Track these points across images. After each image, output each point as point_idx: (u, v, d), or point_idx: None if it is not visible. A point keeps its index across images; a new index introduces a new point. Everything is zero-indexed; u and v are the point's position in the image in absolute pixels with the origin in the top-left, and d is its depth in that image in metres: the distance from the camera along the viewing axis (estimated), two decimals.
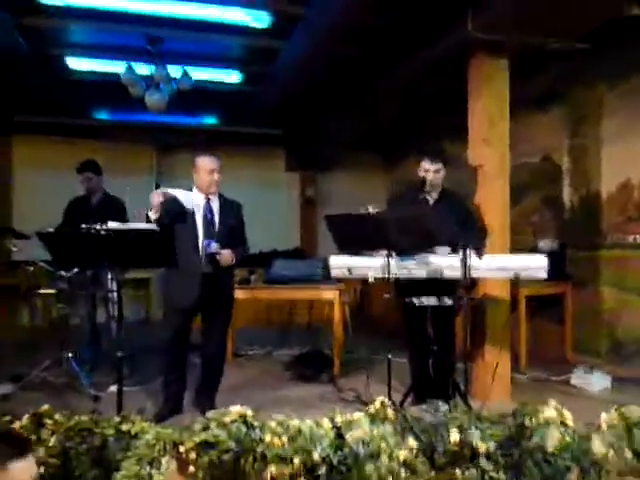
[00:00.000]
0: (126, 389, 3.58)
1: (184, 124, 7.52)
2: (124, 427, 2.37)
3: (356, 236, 3.37)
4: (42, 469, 2.17)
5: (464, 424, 2.17)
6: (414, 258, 3.41)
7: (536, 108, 5.47)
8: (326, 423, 2.28)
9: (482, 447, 2.07)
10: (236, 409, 2.31)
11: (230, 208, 3.71)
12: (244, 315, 5.40)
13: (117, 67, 5.41)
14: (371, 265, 3.46)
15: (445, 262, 3.39)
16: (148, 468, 2.16)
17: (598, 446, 2.07)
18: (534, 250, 5.14)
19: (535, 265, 3.30)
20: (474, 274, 3.35)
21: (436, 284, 3.48)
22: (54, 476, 2.24)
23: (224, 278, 3.65)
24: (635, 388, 4.22)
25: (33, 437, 2.37)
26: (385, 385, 3.42)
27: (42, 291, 4.53)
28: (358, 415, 2.33)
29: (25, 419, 2.47)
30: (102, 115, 7.28)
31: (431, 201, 3.79)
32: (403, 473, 2.08)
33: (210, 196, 3.62)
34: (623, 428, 2.16)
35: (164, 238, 2.93)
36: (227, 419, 2.27)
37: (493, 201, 4.06)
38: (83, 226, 2.84)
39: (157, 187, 7.60)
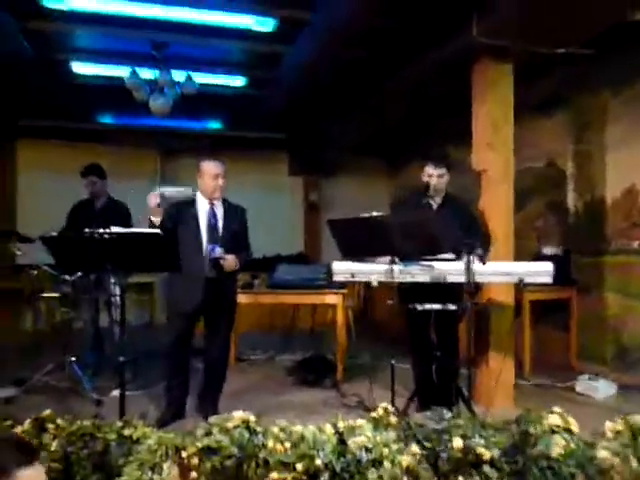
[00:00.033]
0: (128, 393, 3.58)
1: (188, 128, 7.53)
2: (126, 432, 2.36)
3: (359, 241, 3.35)
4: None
5: (468, 431, 2.16)
6: (418, 263, 3.39)
7: (540, 113, 5.46)
8: (329, 429, 2.27)
9: (486, 454, 2.06)
10: (239, 414, 2.31)
11: (234, 213, 3.71)
12: (247, 320, 5.39)
13: (121, 71, 5.43)
14: (374, 270, 3.45)
15: (449, 267, 3.37)
16: (150, 473, 2.15)
17: (603, 454, 2.06)
18: (538, 255, 5.13)
19: (540, 270, 3.28)
20: (478, 279, 3.33)
21: (440, 289, 3.47)
22: None
23: (227, 283, 3.65)
24: None
25: (35, 441, 2.37)
26: (388, 391, 3.41)
27: (45, 295, 4.53)
28: (361, 421, 2.32)
29: (27, 423, 2.47)
30: (106, 119, 7.30)
31: (435, 206, 3.78)
32: None
33: (214, 201, 3.62)
34: (629, 436, 2.14)
35: (167, 242, 2.92)
36: (230, 424, 2.26)
37: (497, 206, 4.06)
38: (86, 230, 2.84)
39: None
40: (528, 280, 3.30)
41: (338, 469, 2.13)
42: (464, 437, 2.15)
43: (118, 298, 4.25)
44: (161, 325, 6.94)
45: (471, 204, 4.06)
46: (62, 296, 4.25)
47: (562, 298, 5.08)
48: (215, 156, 3.69)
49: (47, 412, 2.52)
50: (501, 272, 3.36)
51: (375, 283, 3.43)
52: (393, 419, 2.42)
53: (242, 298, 4.51)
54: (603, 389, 4.26)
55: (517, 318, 4.44)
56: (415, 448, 2.16)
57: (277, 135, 7.95)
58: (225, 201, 3.69)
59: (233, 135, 7.74)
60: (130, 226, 4.19)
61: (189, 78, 5.37)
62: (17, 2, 4.20)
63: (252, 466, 2.14)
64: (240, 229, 3.72)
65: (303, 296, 4.97)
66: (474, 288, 3.32)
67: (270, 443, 2.18)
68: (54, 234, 3.04)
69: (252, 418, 2.30)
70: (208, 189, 3.58)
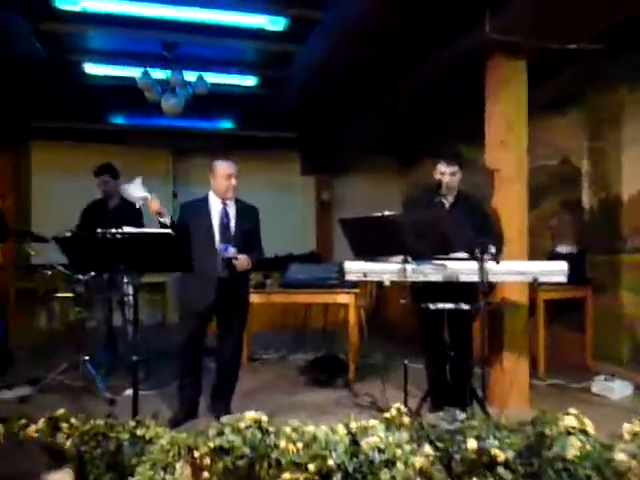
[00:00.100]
0: (142, 393, 3.59)
1: (200, 128, 7.55)
2: (139, 432, 2.36)
3: (371, 240, 3.34)
4: None
5: (482, 432, 2.13)
6: (430, 263, 3.37)
7: (554, 111, 5.40)
8: (341, 429, 2.26)
9: (500, 456, 2.03)
10: (251, 415, 2.30)
11: (246, 212, 3.71)
12: (259, 319, 5.40)
13: (134, 72, 5.46)
14: (387, 270, 3.43)
15: (462, 267, 3.34)
16: (162, 473, 2.15)
17: (620, 456, 2.02)
18: (552, 254, 5.08)
19: (554, 269, 3.24)
20: (492, 278, 3.30)
21: (453, 289, 3.44)
22: None
23: (240, 282, 3.65)
24: None
25: (49, 441, 2.38)
26: (401, 391, 3.38)
27: (59, 295, 4.57)
28: (373, 422, 2.30)
29: (41, 423, 2.48)
30: (119, 120, 7.34)
31: (447, 204, 3.74)
32: None
33: (227, 201, 3.62)
34: None
35: (179, 242, 2.92)
36: (242, 425, 2.26)
37: (511, 205, 4.02)
38: (99, 230, 2.85)
39: (174, 194, 7.69)
40: (542, 279, 3.26)
41: (351, 470, 2.11)
42: (478, 438, 2.13)
43: (131, 298, 4.27)
44: (173, 325, 6.99)
45: (483, 203, 4.03)
46: (76, 296, 4.28)
47: (577, 297, 5.03)
48: (227, 156, 3.69)
49: (61, 411, 2.53)
50: (515, 271, 3.32)
51: (387, 283, 3.41)
52: (406, 419, 2.40)
53: (254, 297, 4.52)
54: (619, 390, 4.20)
55: (531, 317, 4.39)
56: (428, 449, 2.14)
57: (289, 134, 7.95)
58: (237, 201, 3.69)
59: (245, 135, 7.75)
60: (142, 226, 4.21)
61: (201, 78, 5.38)
62: (30, 4, 4.24)
63: (264, 466, 2.13)
64: (252, 229, 3.72)
65: (315, 295, 4.96)
66: (488, 287, 3.29)
67: (282, 443, 2.17)
68: (68, 234, 3.06)
69: (264, 418, 2.29)
70: (221, 189, 3.58)
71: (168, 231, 3.02)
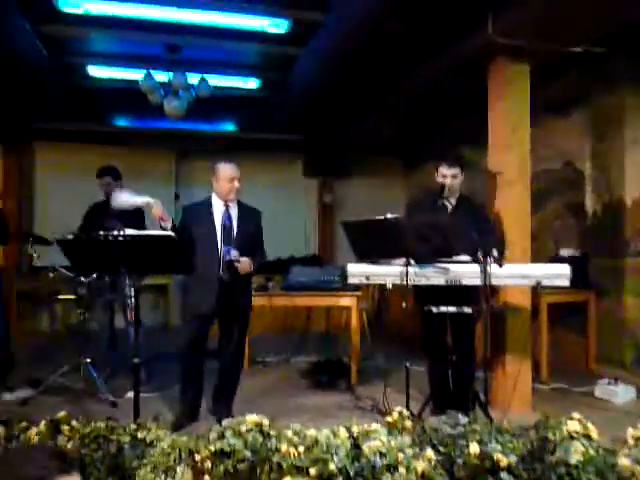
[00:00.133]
0: (143, 395, 3.59)
1: (203, 131, 7.55)
2: (140, 435, 2.36)
3: (374, 243, 3.33)
4: None
5: (484, 436, 2.12)
6: (433, 266, 3.36)
7: (557, 113, 5.39)
8: (343, 433, 2.25)
9: (503, 461, 2.02)
10: (252, 418, 2.30)
11: (249, 215, 3.70)
12: (261, 322, 5.40)
13: (137, 74, 5.46)
14: (389, 273, 3.42)
15: (464, 270, 3.33)
16: (163, 476, 2.14)
17: (624, 461, 2.01)
18: (555, 257, 5.06)
19: (557, 273, 3.23)
20: (495, 282, 3.29)
21: (455, 292, 3.43)
22: None
23: (242, 285, 3.64)
24: None
25: (50, 444, 2.38)
26: (403, 394, 3.37)
27: (61, 297, 4.57)
28: (375, 425, 2.30)
29: (42, 425, 2.48)
30: (122, 122, 7.35)
31: (449, 207, 3.73)
32: None
33: (229, 203, 3.62)
34: None
35: (180, 245, 2.92)
36: (243, 428, 2.25)
37: (514, 207, 4.01)
38: (101, 233, 2.85)
39: (176, 196, 7.71)
40: (545, 283, 3.25)
41: (352, 474, 2.10)
42: (481, 442, 2.12)
43: (133, 300, 4.26)
44: (176, 327, 6.99)
45: (485, 206, 4.02)
46: (78, 298, 4.28)
47: (580, 301, 5.01)
48: (229, 158, 3.69)
49: (62, 414, 2.53)
50: (518, 275, 3.31)
51: (390, 285, 3.40)
52: (408, 423, 2.40)
53: (256, 300, 4.49)
54: (623, 394, 4.18)
55: (534, 321, 4.37)
56: (430, 453, 2.13)
57: (291, 137, 7.94)
58: (240, 203, 3.69)
59: (247, 137, 7.75)
60: (144, 228, 4.20)
61: (203, 81, 5.38)
62: (32, 7, 4.24)
63: (265, 470, 2.12)
64: (255, 231, 3.71)
65: (317, 298, 4.95)
66: (490, 291, 3.28)
67: (284, 447, 2.16)
68: (70, 236, 3.06)
69: (265, 421, 2.29)
70: (223, 191, 3.57)
71: (169, 233, 3.01)
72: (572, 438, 2.09)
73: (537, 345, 4.63)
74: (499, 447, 2.09)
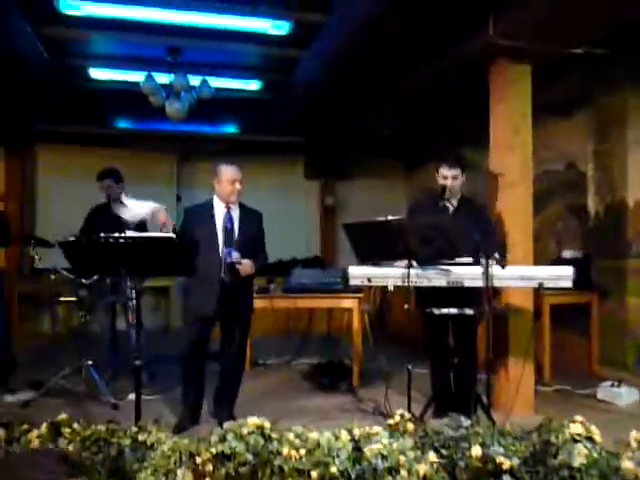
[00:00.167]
0: (145, 398, 3.59)
1: (204, 133, 7.55)
2: (140, 437, 2.35)
3: (375, 245, 3.32)
4: None
5: (487, 439, 2.11)
6: (435, 267, 3.35)
7: (559, 114, 5.38)
8: (344, 436, 2.24)
9: (506, 463, 2.01)
10: (253, 420, 2.29)
11: (250, 217, 3.70)
12: (263, 324, 5.37)
13: (138, 76, 5.47)
14: (391, 274, 3.41)
15: (466, 271, 3.32)
16: (164, 479, 2.13)
17: (628, 464, 1.99)
18: (558, 259, 5.05)
19: (560, 274, 3.22)
20: (497, 283, 3.28)
21: (457, 294, 3.42)
22: None
23: (243, 287, 3.63)
24: None
25: (50, 446, 2.38)
26: (405, 396, 3.36)
27: (63, 299, 4.56)
28: (377, 428, 2.28)
29: (43, 427, 2.48)
30: (123, 124, 7.36)
31: (451, 209, 3.73)
32: None
33: (230, 205, 3.61)
34: None
35: (181, 247, 2.92)
36: (244, 431, 2.24)
37: (516, 209, 4.00)
38: (102, 235, 2.84)
39: (178, 198, 7.71)
40: (548, 284, 3.24)
41: (354, 477, 2.09)
42: (483, 445, 2.10)
43: (134, 302, 4.25)
44: (178, 329, 6.98)
45: (486, 207, 4.01)
46: (79, 300, 4.27)
47: (582, 302, 4.99)
48: (231, 160, 3.69)
49: (63, 416, 2.53)
50: (520, 276, 3.30)
51: (391, 287, 3.39)
52: (410, 426, 2.38)
53: (258, 302, 4.48)
54: (626, 396, 4.16)
55: (537, 323, 4.36)
56: (432, 456, 2.12)
57: (293, 139, 7.94)
58: (241, 205, 3.68)
59: (249, 139, 7.75)
60: (145, 230, 4.20)
61: (205, 82, 5.38)
62: (34, 8, 4.25)
63: (267, 473, 2.11)
64: (256, 233, 3.71)
65: (319, 300, 4.95)
66: (492, 292, 3.27)
67: (285, 450, 2.15)
68: (71, 239, 3.05)
69: (267, 424, 2.28)
70: (225, 193, 3.57)
71: (170, 235, 3.01)
72: (575, 441, 2.08)
73: (539, 347, 4.62)
74: (502, 450, 2.07)
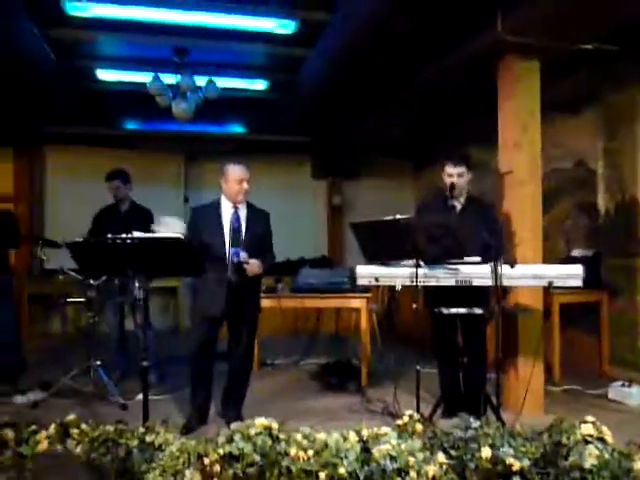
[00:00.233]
0: (154, 398, 3.59)
1: (211, 133, 7.56)
2: (148, 438, 2.35)
3: (383, 244, 3.31)
4: None
5: (496, 440, 2.09)
6: (443, 267, 3.33)
7: (567, 111, 5.34)
8: (352, 437, 2.23)
9: (516, 465, 1.99)
10: (261, 421, 2.28)
11: (258, 217, 3.69)
12: (271, 324, 5.37)
13: (145, 77, 5.48)
14: (398, 274, 3.39)
15: (475, 271, 3.30)
16: None
17: None
18: (567, 257, 5.01)
19: (570, 273, 3.19)
20: (507, 283, 3.25)
21: (466, 293, 3.40)
22: None
23: (251, 287, 3.62)
24: None
25: (59, 447, 2.38)
26: (413, 396, 3.34)
27: (72, 299, 4.58)
28: (385, 429, 2.27)
29: (52, 428, 2.48)
30: (131, 125, 7.38)
31: (458, 207, 3.71)
32: None
33: (238, 205, 3.60)
34: None
35: (188, 247, 2.91)
36: (252, 431, 2.23)
37: (525, 207, 3.97)
38: (109, 235, 2.84)
39: (186, 199, 7.72)
40: (558, 283, 3.22)
41: (362, 478, 2.08)
42: (493, 446, 2.09)
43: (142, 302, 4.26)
44: (186, 329, 6.99)
45: (494, 206, 3.98)
46: (88, 300, 4.29)
47: (592, 301, 4.95)
48: (238, 160, 3.68)
49: (71, 417, 2.53)
50: (530, 275, 3.28)
51: (399, 287, 3.37)
52: (419, 427, 2.37)
53: (265, 302, 4.49)
54: (637, 396, 4.12)
55: (546, 322, 4.32)
56: (442, 457, 2.10)
57: (300, 138, 7.94)
58: (249, 205, 3.67)
59: (256, 139, 7.75)
60: (152, 231, 4.20)
61: (211, 82, 5.38)
62: (41, 10, 4.26)
63: (274, 474, 2.11)
64: (264, 233, 3.70)
65: (327, 300, 4.94)
66: (502, 291, 3.24)
67: (293, 451, 2.14)
68: (79, 240, 3.06)
69: (274, 425, 2.27)
70: (232, 193, 3.56)
71: (178, 235, 3.00)
72: (586, 442, 2.06)
73: (549, 346, 4.59)
74: (511, 451, 2.05)
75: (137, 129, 7.42)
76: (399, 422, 2.44)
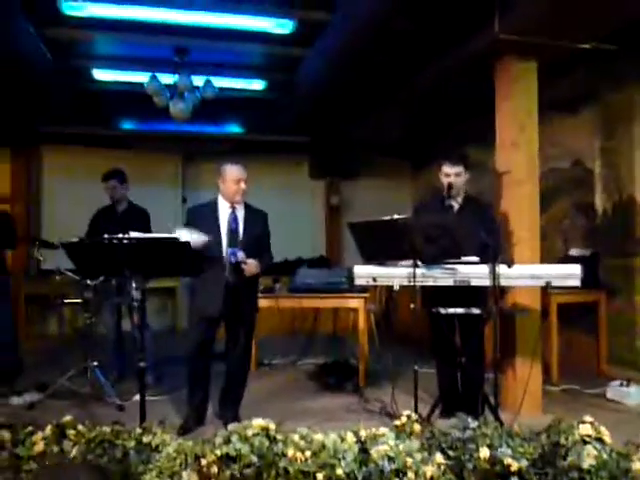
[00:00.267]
0: (151, 399, 3.58)
1: (209, 133, 7.55)
2: (145, 439, 2.34)
3: (380, 244, 3.30)
4: None
5: (495, 440, 2.08)
6: (441, 267, 3.32)
7: (565, 111, 5.34)
8: (350, 437, 2.22)
9: (514, 465, 1.98)
10: (258, 422, 2.27)
11: (255, 217, 3.67)
12: (268, 324, 5.36)
13: (142, 77, 5.46)
14: (396, 274, 3.39)
15: (473, 271, 3.29)
16: None
17: (638, 465, 1.96)
18: (565, 257, 5.01)
19: (568, 273, 3.19)
20: (504, 282, 3.25)
21: (464, 293, 3.39)
22: None
23: (248, 288, 3.61)
24: None
25: (55, 449, 2.37)
26: (411, 396, 3.33)
27: (69, 300, 4.56)
28: (383, 429, 2.26)
29: (48, 430, 2.47)
30: (128, 125, 7.37)
31: (456, 207, 3.71)
32: None
33: (235, 205, 3.59)
34: None
35: (185, 247, 2.90)
36: (249, 432, 2.23)
37: (522, 207, 3.97)
38: (105, 236, 2.83)
39: (184, 199, 7.71)
40: (556, 283, 3.21)
41: (360, 479, 2.07)
42: (491, 447, 2.08)
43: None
44: (184, 330, 6.98)
45: (492, 206, 3.98)
46: (85, 301, 4.27)
47: (590, 301, 4.95)
48: (236, 160, 3.67)
49: (67, 418, 2.52)
50: (528, 275, 3.27)
51: (397, 287, 3.36)
52: (417, 427, 2.36)
53: (263, 302, 4.48)
54: (635, 395, 4.11)
55: (544, 322, 4.32)
56: (440, 458, 2.09)
57: (298, 138, 7.93)
58: (246, 205, 3.66)
59: (254, 139, 7.74)
60: (150, 231, 4.19)
61: (209, 82, 5.37)
62: (37, 9, 4.24)
63: (272, 475, 2.10)
64: (261, 233, 3.69)
65: (325, 300, 4.93)
66: (499, 292, 3.24)
67: (290, 451, 2.13)
68: (74, 240, 3.04)
69: (272, 426, 2.26)
70: (230, 193, 3.55)
71: (174, 236, 2.99)
72: (584, 442, 2.05)
73: (547, 346, 4.58)
74: (510, 451, 2.05)
75: (134, 129, 7.41)
76: (397, 422, 2.43)
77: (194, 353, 3.61)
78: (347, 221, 3.49)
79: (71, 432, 2.44)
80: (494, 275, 3.13)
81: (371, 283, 3.55)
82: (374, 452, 2.11)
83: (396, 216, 3.13)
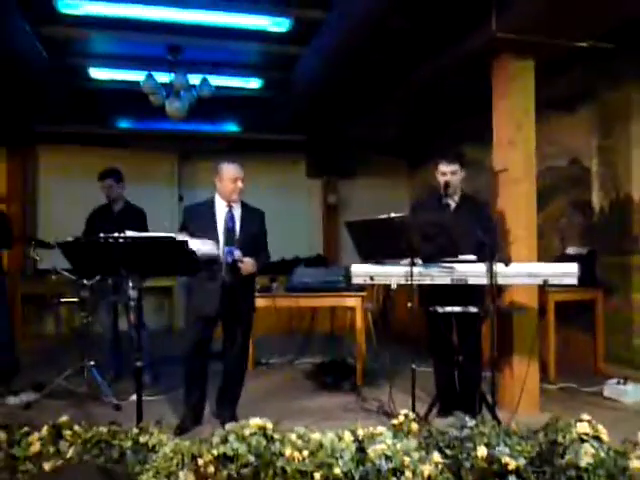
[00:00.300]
0: (148, 399, 3.57)
1: (205, 131, 7.52)
2: (142, 439, 2.33)
3: (378, 243, 3.29)
4: None
5: (492, 439, 2.08)
6: (438, 265, 3.32)
7: (562, 109, 5.34)
8: (348, 436, 2.22)
9: (512, 464, 1.98)
10: (256, 421, 2.26)
11: (252, 216, 3.66)
12: (265, 323, 5.36)
13: (138, 76, 5.44)
14: (394, 273, 3.38)
15: (470, 269, 3.29)
16: None
17: (636, 464, 1.96)
18: (562, 255, 5.01)
19: (565, 271, 3.19)
20: (502, 281, 3.25)
21: (461, 291, 3.39)
22: None
23: (245, 287, 3.60)
24: None
25: (51, 449, 2.36)
26: (409, 395, 3.33)
27: (65, 299, 4.55)
28: (381, 428, 2.26)
29: (44, 430, 2.46)
30: (124, 124, 7.34)
31: (452, 206, 3.71)
32: None
33: (232, 204, 3.58)
34: None
35: (182, 246, 2.89)
36: (246, 432, 2.22)
37: (519, 205, 3.97)
38: (101, 235, 2.82)
39: (180, 198, 7.69)
40: (553, 281, 3.21)
41: (357, 478, 2.07)
42: (488, 445, 2.08)
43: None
44: (181, 329, 6.96)
45: (488, 204, 3.98)
46: (81, 300, 4.26)
47: (587, 299, 4.95)
48: (232, 158, 3.66)
49: (64, 418, 2.51)
50: (525, 273, 3.27)
51: (394, 285, 3.36)
52: (414, 426, 2.36)
53: (260, 301, 4.47)
54: (633, 393, 4.12)
55: (541, 320, 4.32)
56: (437, 457, 2.09)
57: (294, 137, 7.92)
58: (243, 204, 3.65)
59: (250, 137, 7.72)
60: (146, 230, 4.18)
61: (205, 81, 5.35)
62: (33, 8, 4.22)
63: (269, 474, 2.09)
64: (258, 232, 3.67)
65: (322, 299, 4.92)
66: (497, 290, 3.24)
67: (288, 451, 2.13)
68: (70, 239, 3.03)
69: (269, 425, 2.26)
70: (227, 192, 3.54)
71: (170, 235, 2.97)
72: (582, 440, 2.05)
73: (544, 344, 4.58)
74: (507, 450, 2.05)
75: (130, 128, 7.38)
76: (394, 421, 2.43)
77: (191, 352, 3.60)
78: (344, 220, 3.48)
79: (67, 432, 2.43)
80: (491, 273, 3.13)
81: (368, 282, 3.54)
82: (371, 451, 2.11)
83: (393, 215, 3.12)
